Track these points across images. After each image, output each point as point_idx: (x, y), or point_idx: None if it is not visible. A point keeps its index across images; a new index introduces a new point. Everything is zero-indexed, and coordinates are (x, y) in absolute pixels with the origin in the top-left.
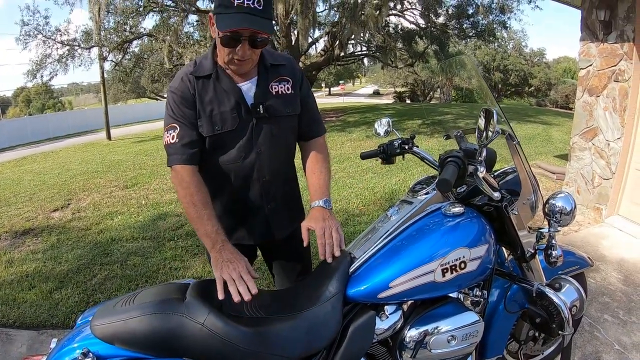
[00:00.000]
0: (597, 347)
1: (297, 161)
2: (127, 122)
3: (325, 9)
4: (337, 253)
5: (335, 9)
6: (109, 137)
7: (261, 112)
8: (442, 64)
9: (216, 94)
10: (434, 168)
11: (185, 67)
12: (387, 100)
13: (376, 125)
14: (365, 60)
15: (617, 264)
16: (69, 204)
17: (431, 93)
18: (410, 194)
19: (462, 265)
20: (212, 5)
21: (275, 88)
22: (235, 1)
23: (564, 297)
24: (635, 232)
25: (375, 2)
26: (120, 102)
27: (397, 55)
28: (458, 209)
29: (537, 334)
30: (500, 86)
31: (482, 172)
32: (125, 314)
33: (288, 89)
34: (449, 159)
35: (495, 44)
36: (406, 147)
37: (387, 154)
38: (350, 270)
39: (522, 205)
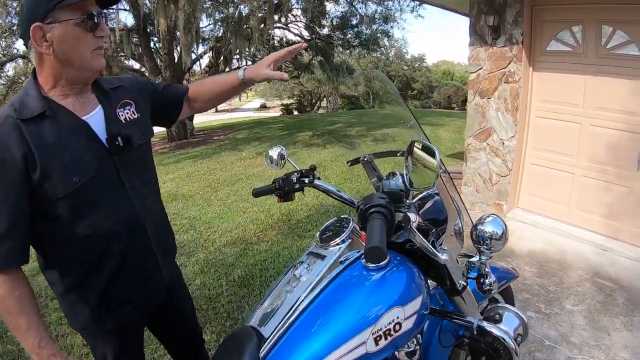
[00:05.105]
0: (529, 347)
1: None
2: None
3: (209, 24)
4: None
5: (220, 23)
6: None
7: (121, 144)
8: (356, 77)
9: (59, 136)
10: (341, 201)
11: (1, 112)
12: (275, 113)
13: (271, 153)
14: None
15: (528, 257)
16: None
17: (318, 103)
18: (320, 244)
19: (397, 328)
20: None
21: (122, 115)
22: None
23: (506, 327)
24: (536, 221)
25: (259, 15)
26: None
27: (282, 68)
28: None
29: None
30: (381, 93)
31: (414, 222)
32: None
33: (134, 113)
34: (372, 211)
35: (378, 52)
36: (306, 180)
37: (284, 190)
38: (261, 355)
39: (450, 237)
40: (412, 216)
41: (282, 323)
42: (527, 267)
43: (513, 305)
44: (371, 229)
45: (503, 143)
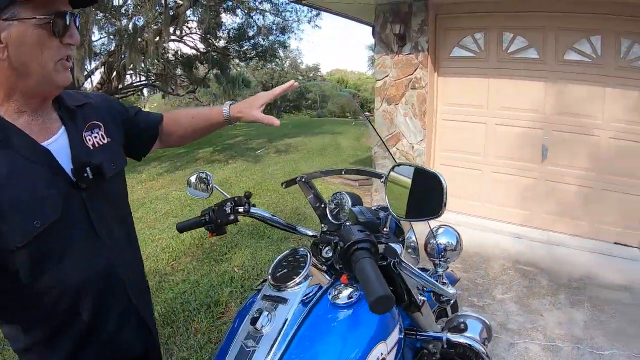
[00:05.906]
0: None
1: None
2: None
3: (100, 37)
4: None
5: (112, 36)
6: None
7: (90, 177)
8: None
9: (13, 167)
10: (279, 228)
11: None
12: None
13: (192, 179)
14: (145, 90)
15: None
16: None
17: None
18: (275, 285)
19: None
20: None
21: (90, 140)
22: None
23: (472, 334)
24: (453, 220)
25: (154, 27)
26: None
27: (178, 83)
28: (348, 291)
29: None
30: (279, 102)
31: (401, 253)
32: None
33: (103, 137)
34: (357, 248)
35: (274, 64)
36: (241, 209)
37: (216, 223)
38: None
39: (407, 253)
40: (397, 247)
41: None
42: (452, 264)
43: (457, 307)
44: (366, 273)
45: (413, 147)
